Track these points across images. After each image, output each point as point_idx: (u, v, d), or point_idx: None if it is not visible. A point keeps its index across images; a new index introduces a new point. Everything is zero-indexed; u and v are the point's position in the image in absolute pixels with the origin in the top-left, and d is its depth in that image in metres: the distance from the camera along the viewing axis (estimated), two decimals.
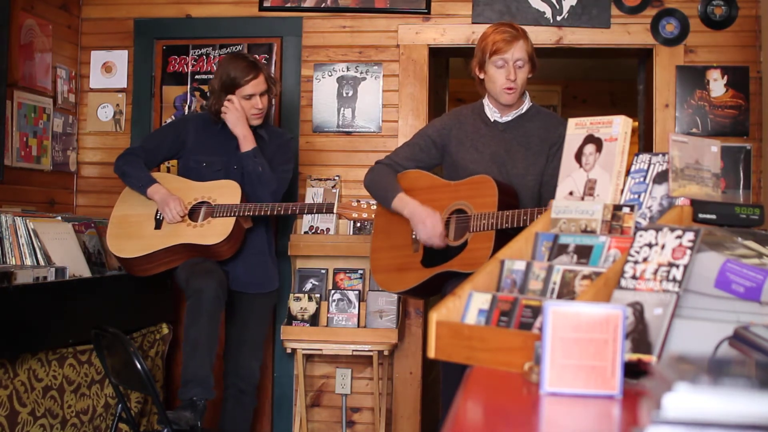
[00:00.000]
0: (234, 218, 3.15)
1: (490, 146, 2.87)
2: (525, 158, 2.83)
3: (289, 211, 3.19)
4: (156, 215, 3.29)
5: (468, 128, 2.92)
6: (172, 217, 3.18)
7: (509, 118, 2.89)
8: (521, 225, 2.54)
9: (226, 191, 3.23)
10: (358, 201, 3.16)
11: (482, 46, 2.83)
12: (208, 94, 3.44)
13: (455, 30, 3.97)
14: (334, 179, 3.99)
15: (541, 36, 3.88)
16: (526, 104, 2.91)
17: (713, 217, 1.62)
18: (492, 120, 2.90)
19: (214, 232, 3.16)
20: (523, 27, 2.88)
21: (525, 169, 2.83)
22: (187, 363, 2.96)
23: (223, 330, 3.37)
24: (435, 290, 2.93)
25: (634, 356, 1.24)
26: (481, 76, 2.87)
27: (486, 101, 2.94)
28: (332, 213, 3.19)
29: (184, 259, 3.21)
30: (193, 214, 3.24)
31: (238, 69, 3.19)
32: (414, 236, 2.92)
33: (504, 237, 2.50)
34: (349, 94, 4.01)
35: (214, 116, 3.29)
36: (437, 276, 2.82)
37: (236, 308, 3.33)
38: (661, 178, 1.74)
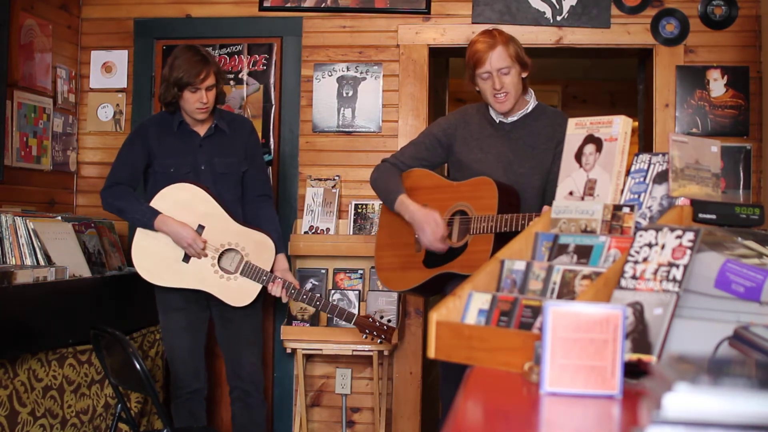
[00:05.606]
0: (261, 286, 3.14)
1: (496, 146, 2.85)
2: (531, 158, 2.81)
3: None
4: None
5: (474, 128, 2.90)
6: (195, 254, 3.12)
7: (515, 118, 2.85)
8: (519, 229, 2.53)
9: (263, 248, 3.19)
10: (380, 323, 3.21)
11: (467, 60, 2.81)
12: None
13: (455, 30, 3.96)
14: (334, 179, 3.99)
15: (541, 36, 3.88)
16: (532, 103, 2.87)
17: (713, 217, 1.61)
18: (497, 121, 2.88)
19: (240, 293, 3.15)
20: (505, 31, 2.82)
21: (531, 169, 2.80)
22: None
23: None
24: (437, 290, 2.93)
25: (634, 356, 1.24)
26: (477, 88, 2.86)
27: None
28: (350, 324, 3.23)
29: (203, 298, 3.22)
30: (224, 255, 3.17)
31: (189, 64, 3.08)
32: (417, 236, 2.93)
33: (504, 239, 2.50)
34: (349, 94, 4.01)
35: (166, 106, 3.20)
36: (439, 276, 2.82)
37: (223, 310, 3.25)
38: (661, 178, 1.74)
